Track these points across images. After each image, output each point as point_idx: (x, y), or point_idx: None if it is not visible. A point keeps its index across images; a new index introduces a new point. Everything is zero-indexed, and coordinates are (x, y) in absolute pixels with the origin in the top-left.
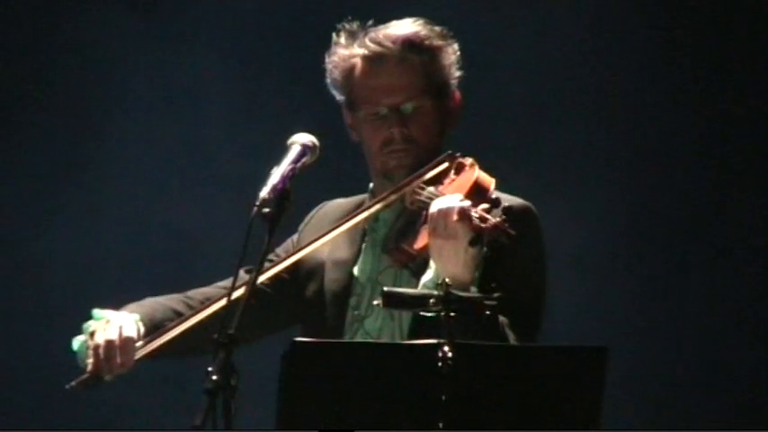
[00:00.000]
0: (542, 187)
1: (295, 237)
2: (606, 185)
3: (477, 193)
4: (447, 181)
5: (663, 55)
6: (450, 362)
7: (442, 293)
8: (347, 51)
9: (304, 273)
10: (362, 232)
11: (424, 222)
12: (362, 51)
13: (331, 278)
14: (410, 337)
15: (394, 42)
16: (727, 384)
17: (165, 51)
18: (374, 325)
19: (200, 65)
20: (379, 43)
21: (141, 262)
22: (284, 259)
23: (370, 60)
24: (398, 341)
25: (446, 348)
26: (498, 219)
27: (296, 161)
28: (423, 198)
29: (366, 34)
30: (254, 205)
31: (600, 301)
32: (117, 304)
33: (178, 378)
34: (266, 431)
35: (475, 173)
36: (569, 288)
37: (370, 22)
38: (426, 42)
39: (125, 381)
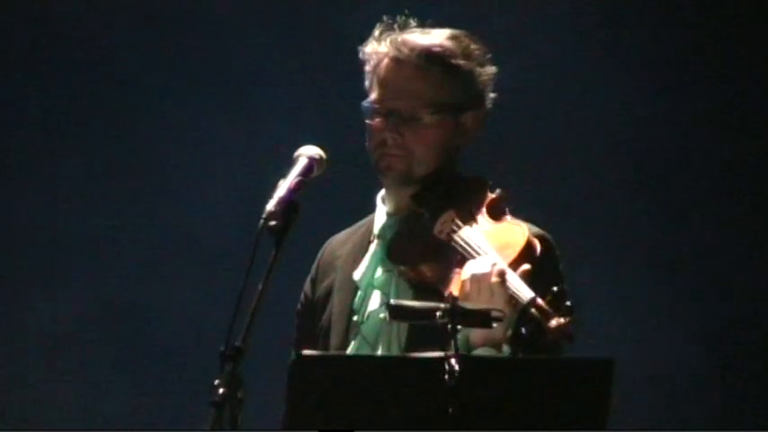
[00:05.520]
0: (555, 203)
1: (307, 286)
2: (625, 201)
3: (525, 259)
4: (481, 220)
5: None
6: (456, 375)
7: (448, 306)
8: (376, 47)
9: (320, 306)
10: (368, 242)
11: (454, 260)
12: (385, 50)
13: (338, 299)
14: (408, 343)
15: (411, 50)
16: (736, 395)
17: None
18: (372, 330)
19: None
20: (398, 47)
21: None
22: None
23: (392, 61)
24: (396, 348)
25: (452, 361)
26: (564, 320)
27: (303, 174)
28: (457, 239)
29: (395, 35)
30: (261, 218)
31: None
32: None
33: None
34: None
35: (523, 235)
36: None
37: (414, 24)
38: (446, 57)
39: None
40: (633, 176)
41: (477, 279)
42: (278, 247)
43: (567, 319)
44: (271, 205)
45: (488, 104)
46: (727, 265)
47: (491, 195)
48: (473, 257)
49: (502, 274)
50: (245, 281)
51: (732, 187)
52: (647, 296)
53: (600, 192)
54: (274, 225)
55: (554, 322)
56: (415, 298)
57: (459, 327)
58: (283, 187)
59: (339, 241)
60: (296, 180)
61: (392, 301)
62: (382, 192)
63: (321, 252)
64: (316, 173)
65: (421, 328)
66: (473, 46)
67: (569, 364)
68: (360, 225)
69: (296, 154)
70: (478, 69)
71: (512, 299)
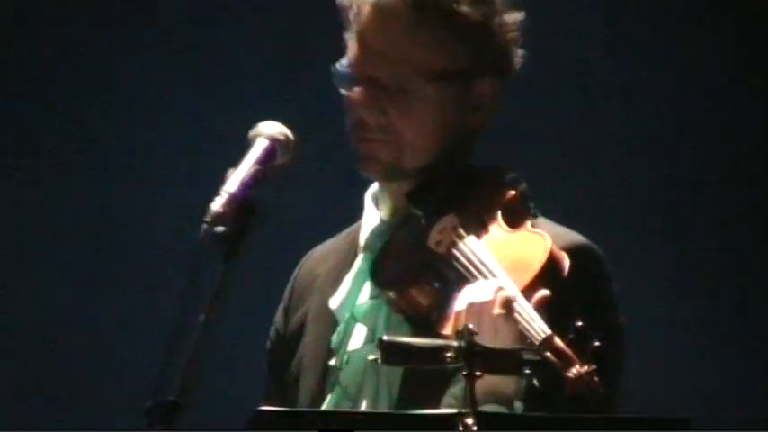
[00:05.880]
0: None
1: (279, 317)
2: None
3: (546, 282)
4: (493, 227)
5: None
6: None
7: (463, 344)
8: None
9: (293, 344)
10: (354, 256)
11: (455, 283)
12: None
13: (311, 334)
14: (403, 394)
15: None
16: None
17: None
18: (353, 378)
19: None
20: None
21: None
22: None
23: (372, 9)
24: (385, 401)
25: (468, 421)
26: (587, 368)
27: (262, 161)
28: (457, 254)
29: None
30: (204, 222)
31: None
32: None
33: None
34: None
35: (544, 249)
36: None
37: None
38: (445, 3)
39: None
40: (634, 176)
41: (477, 310)
42: (228, 261)
43: (592, 367)
44: (217, 205)
45: (515, 66)
46: (726, 265)
47: (510, 193)
48: (476, 279)
49: (508, 304)
50: (182, 308)
51: (732, 187)
52: (653, 296)
53: (599, 191)
54: (223, 232)
55: (574, 371)
56: (413, 333)
57: (478, 373)
58: (235, 179)
59: (320, 255)
60: (252, 170)
61: (386, 338)
62: (373, 188)
63: (297, 270)
64: (280, 159)
65: (419, 375)
66: None
67: (625, 424)
68: (347, 233)
69: (251, 134)
70: (496, 19)
71: (523, 337)
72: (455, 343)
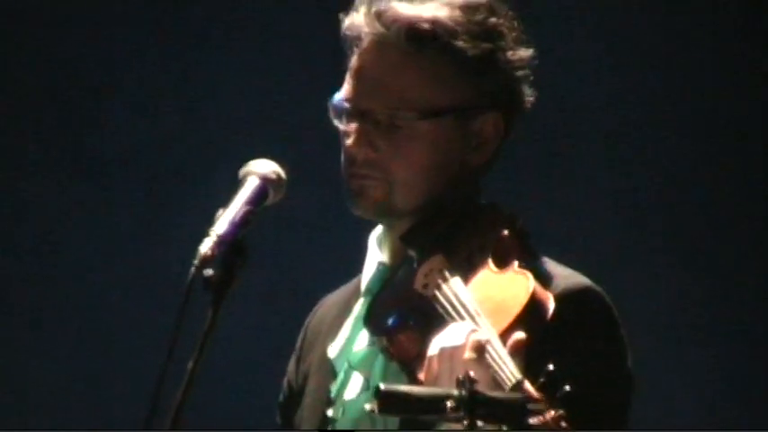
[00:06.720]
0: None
1: (291, 368)
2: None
3: (527, 325)
4: (481, 268)
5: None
6: None
7: (464, 393)
8: (354, 17)
9: (299, 396)
10: (356, 302)
11: (440, 327)
12: (361, 23)
13: (312, 385)
14: None
15: (390, 25)
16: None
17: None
18: (347, 427)
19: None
20: (373, 21)
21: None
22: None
23: (372, 40)
24: None
25: None
26: (553, 413)
27: (252, 202)
28: (440, 297)
29: (379, 3)
30: (193, 265)
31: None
32: None
33: None
34: None
35: (526, 290)
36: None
37: None
38: (441, 38)
39: None
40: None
41: (448, 355)
42: (216, 306)
43: (559, 413)
44: (206, 247)
45: (524, 104)
46: (727, 265)
47: (503, 233)
48: (456, 322)
49: (480, 348)
50: (169, 351)
51: (733, 188)
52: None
53: (603, 193)
54: (211, 276)
55: (540, 416)
56: (410, 382)
57: (480, 424)
58: (224, 221)
59: (332, 302)
60: (243, 211)
61: (383, 386)
62: (378, 230)
63: (309, 318)
64: (272, 198)
65: (417, 427)
66: (492, 20)
67: None
68: (358, 278)
69: (242, 173)
70: (500, 56)
71: (495, 382)
72: (455, 392)
